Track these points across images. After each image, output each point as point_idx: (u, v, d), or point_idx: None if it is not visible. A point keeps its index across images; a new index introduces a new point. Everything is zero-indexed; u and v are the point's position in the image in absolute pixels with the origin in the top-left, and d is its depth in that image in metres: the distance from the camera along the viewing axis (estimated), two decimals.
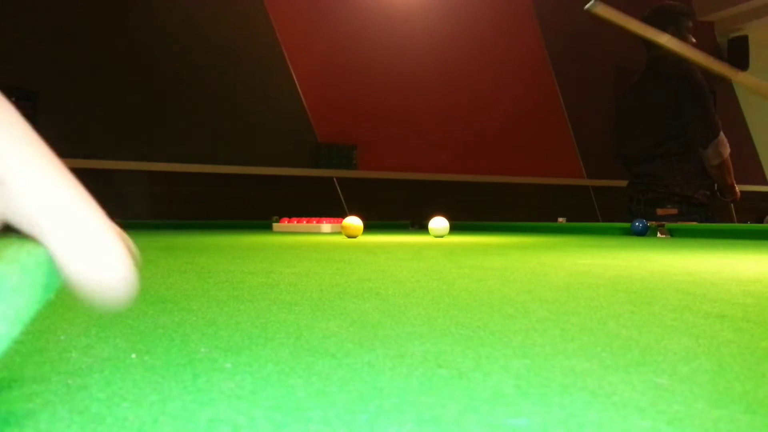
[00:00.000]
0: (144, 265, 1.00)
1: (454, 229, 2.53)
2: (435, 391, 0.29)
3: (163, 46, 4.15)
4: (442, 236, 2.29)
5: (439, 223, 2.31)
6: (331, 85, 4.61)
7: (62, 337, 0.41)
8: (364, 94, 4.66)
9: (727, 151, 2.93)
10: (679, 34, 2.84)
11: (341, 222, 2.37)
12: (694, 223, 2.37)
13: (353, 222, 2.30)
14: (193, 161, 4.19)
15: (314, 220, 3.17)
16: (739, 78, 2.68)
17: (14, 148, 0.20)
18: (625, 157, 3.30)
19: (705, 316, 0.52)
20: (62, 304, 0.54)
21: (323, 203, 4.44)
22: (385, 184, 4.70)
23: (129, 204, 4.07)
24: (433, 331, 0.44)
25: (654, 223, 2.57)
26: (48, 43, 3.89)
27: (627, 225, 2.63)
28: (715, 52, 5.82)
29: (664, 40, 2.58)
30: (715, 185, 3.04)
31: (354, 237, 2.27)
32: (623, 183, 3.50)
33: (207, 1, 4.33)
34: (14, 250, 0.20)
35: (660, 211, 3.06)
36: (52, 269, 0.21)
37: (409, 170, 4.78)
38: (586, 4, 2.35)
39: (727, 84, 5.77)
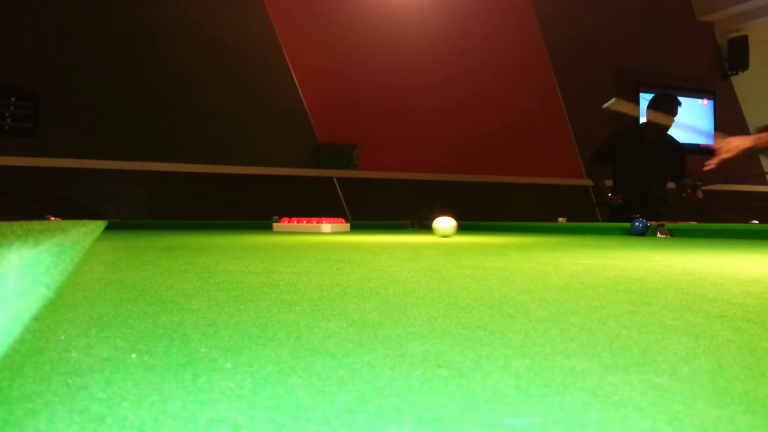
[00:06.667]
0: (144, 265, 1.00)
1: None
2: (435, 391, 0.29)
3: (163, 47, 4.15)
4: (448, 236, 2.18)
5: (445, 223, 2.18)
6: (330, 85, 4.61)
7: (62, 337, 0.41)
8: (364, 94, 4.66)
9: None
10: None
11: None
12: (694, 223, 2.37)
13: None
14: (193, 161, 4.19)
15: (314, 220, 3.17)
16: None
17: None
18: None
19: (705, 316, 0.51)
20: (62, 304, 0.53)
21: (323, 203, 4.44)
22: (385, 184, 4.70)
23: (129, 204, 4.07)
24: (433, 331, 0.44)
25: (654, 223, 2.58)
26: (48, 43, 3.89)
27: (627, 225, 2.63)
28: (715, 52, 5.82)
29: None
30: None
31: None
32: None
33: (207, 1, 4.33)
34: (14, 250, 0.20)
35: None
36: (52, 269, 0.21)
37: (409, 170, 4.77)
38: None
39: (726, 84, 5.77)
